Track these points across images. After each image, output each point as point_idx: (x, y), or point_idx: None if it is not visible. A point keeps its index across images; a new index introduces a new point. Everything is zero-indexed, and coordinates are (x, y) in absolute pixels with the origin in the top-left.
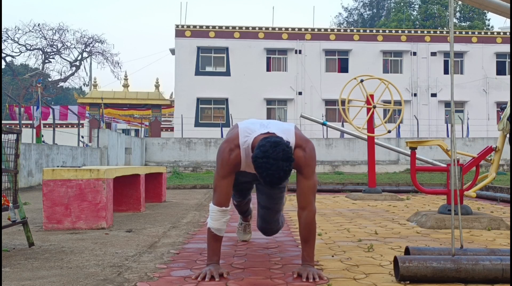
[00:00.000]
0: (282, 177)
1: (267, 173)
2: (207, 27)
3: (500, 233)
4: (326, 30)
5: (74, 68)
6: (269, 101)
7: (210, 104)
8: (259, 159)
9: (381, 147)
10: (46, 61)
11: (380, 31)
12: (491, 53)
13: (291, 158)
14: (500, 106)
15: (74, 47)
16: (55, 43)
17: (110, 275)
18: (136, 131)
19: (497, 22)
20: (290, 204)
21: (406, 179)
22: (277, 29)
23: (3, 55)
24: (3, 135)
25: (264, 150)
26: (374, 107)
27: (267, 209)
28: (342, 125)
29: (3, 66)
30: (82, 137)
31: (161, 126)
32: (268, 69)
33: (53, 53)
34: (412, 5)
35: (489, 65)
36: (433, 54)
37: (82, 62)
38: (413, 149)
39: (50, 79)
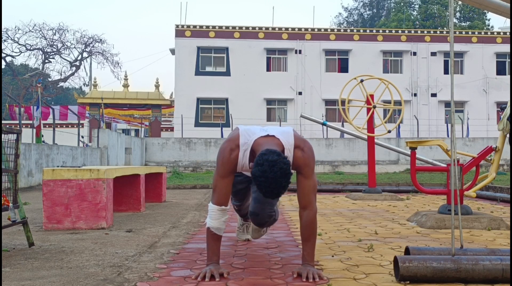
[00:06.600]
0: (280, 192)
1: (267, 190)
2: (207, 27)
3: (500, 233)
4: (326, 30)
5: (74, 68)
6: (269, 101)
7: (210, 104)
8: (258, 178)
9: (381, 147)
10: (46, 61)
11: (380, 31)
12: (491, 53)
13: (289, 174)
14: (500, 106)
15: (74, 47)
16: (55, 43)
17: (110, 275)
18: (136, 131)
19: (497, 22)
20: (290, 204)
21: (406, 179)
22: (277, 29)
23: (3, 55)
24: (3, 135)
25: (262, 170)
26: (374, 107)
27: (260, 204)
28: (342, 125)
29: (3, 66)
30: (82, 137)
31: (161, 126)
32: (268, 69)
33: (53, 53)
34: (412, 5)
35: (489, 65)
36: (433, 54)
37: (82, 62)
38: (413, 149)
39: (50, 79)
